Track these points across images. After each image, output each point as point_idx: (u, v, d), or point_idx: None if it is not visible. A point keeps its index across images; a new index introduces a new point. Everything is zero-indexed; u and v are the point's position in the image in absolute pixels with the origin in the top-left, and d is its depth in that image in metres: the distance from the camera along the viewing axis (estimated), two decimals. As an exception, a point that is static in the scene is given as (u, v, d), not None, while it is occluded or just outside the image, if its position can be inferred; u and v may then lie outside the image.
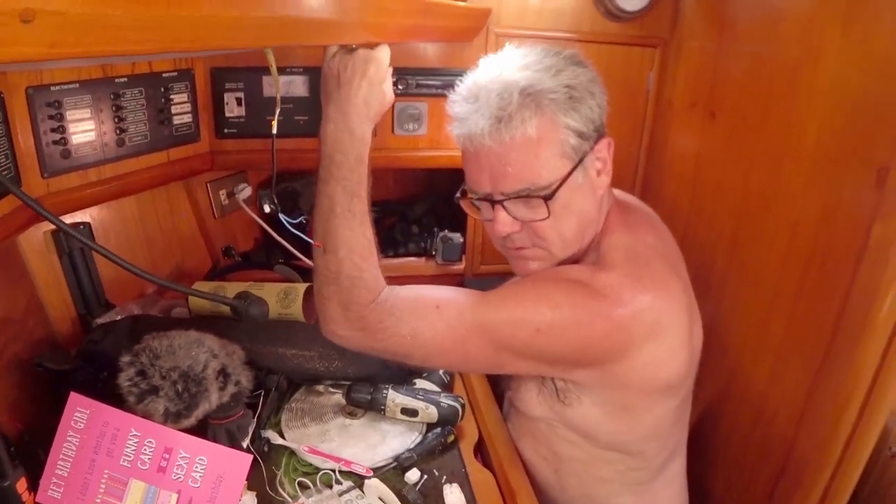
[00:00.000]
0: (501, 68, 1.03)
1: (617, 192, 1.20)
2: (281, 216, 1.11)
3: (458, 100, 1.05)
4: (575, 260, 1.12)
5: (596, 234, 1.12)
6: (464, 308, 1.02)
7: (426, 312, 1.01)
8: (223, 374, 1.03)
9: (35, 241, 1.25)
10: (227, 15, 0.64)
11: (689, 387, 1.17)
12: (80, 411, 0.95)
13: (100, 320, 1.31)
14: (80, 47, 0.52)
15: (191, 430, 0.98)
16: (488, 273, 1.80)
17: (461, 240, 1.76)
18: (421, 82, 1.60)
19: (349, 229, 1.00)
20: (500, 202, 1.03)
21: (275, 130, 1.04)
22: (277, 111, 1.04)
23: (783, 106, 1.30)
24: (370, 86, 1.01)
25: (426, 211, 1.96)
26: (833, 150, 1.17)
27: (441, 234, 1.77)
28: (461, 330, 1.01)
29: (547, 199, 1.00)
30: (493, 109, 0.98)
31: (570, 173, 1.01)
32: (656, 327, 1.01)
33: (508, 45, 1.09)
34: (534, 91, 0.98)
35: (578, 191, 1.04)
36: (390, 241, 1.85)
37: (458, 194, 1.14)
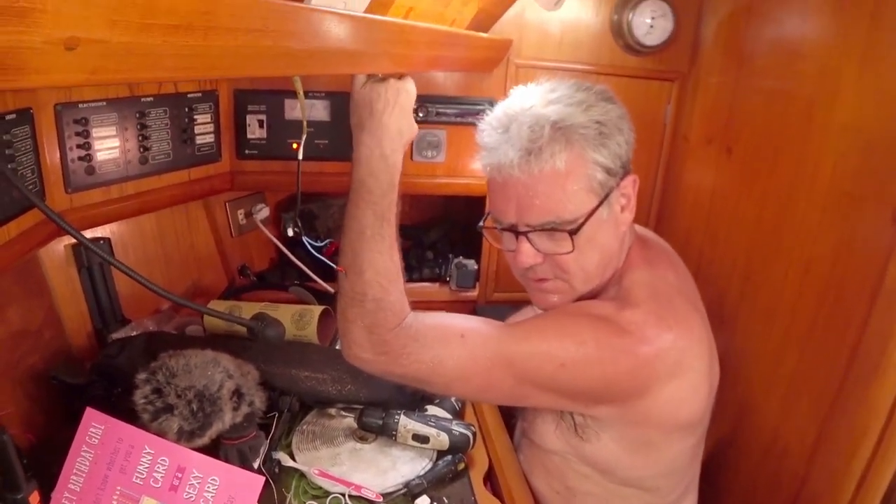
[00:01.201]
0: (533, 101, 1.04)
1: (636, 227, 1.21)
2: (305, 240, 1.12)
3: (488, 129, 1.06)
4: (595, 294, 1.12)
5: (617, 269, 1.12)
6: (488, 339, 1.02)
7: (450, 340, 1.01)
8: (237, 394, 1.03)
9: (55, 254, 1.26)
10: (261, 44, 0.65)
11: (707, 423, 1.17)
12: (96, 427, 0.96)
13: (115, 335, 1.32)
14: (119, 74, 0.53)
15: (203, 450, 0.98)
16: (501, 301, 1.80)
17: (475, 266, 1.77)
18: (440, 110, 1.62)
19: (378, 252, 1.01)
20: (525, 233, 1.04)
21: (301, 155, 1.05)
22: (304, 137, 1.05)
23: (799, 142, 1.31)
24: (402, 114, 1.03)
25: (441, 237, 1.97)
26: (848, 188, 1.17)
27: (455, 260, 1.78)
28: (484, 360, 1.01)
29: (572, 233, 1.01)
30: (523, 141, 0.98)
31: (595, 208, 1.02)
32: (679, 365, 1.01)
33: (540, 79, 1.10)
34: (565, 125, 0.99)
35: (603, 226, 1.04)
36: (405, 265, 1.84)
37: (481, 223, 1.15)
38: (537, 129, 0.98)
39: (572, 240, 1.01)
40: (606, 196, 1.03)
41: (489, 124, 1.06)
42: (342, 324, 1.04)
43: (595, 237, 1.04)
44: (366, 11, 0.90)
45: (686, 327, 1.03)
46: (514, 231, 1.06)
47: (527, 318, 1.11)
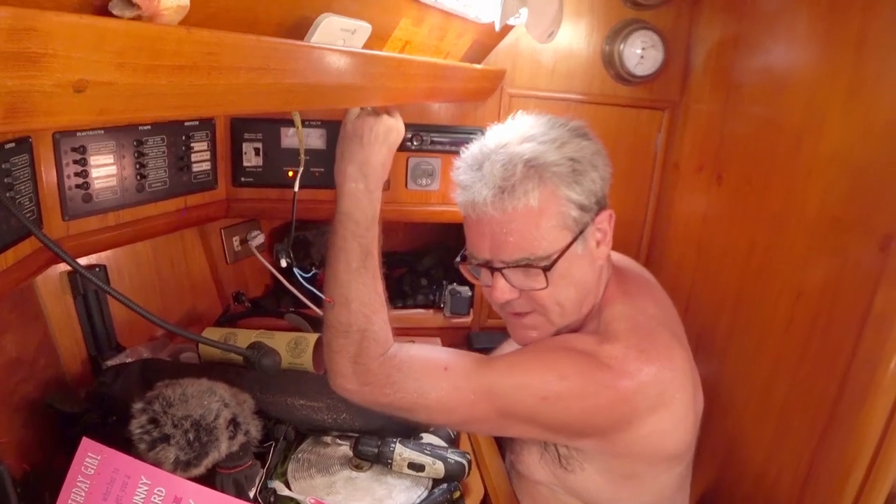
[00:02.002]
0: (507, 138, 1.05)
1: (614, 255, 1.21)
2: (296, 271, 1.13)
3: (464, 167, 1.07)
4: (575, 328, 1.13)
5: (595, 303, 1.13)
6: (472, 371, 1.04)
7: (434, 372, 1.03)
8: (233, 423, 1.03)
9: (51, 281, 1.26)
10: (262, 82, 0.67)
11: (693, 452, 1.17)
12: (92, 457, 0.96)
13: (110, 362, 1.32)
14: (126, 113, 0.55)
15: (198, 479, 0.98)
16: (495, 327, 1.80)
17: (469, 293, 1.78)
18: (435, 139, 1.64)
19: (362, 284, 1.03)
20: (500, 269, 1.05)
21: (297, 188, 1.07)
22: (301, 170, 1.07)
23: (788, 171, 1.33)
24: (389, 151, 1.07)
25: (435, 263, 1.97)
26: (837, 217, 1.19)
27: (450, 286, 1.78)
28: (467, 392, 1.02)
29: (546, 269, 1.02)
30: (496, 179, 1.00)
31: (569, 245, 1.03)
32: (661, 398, 1.01)
33: (518, 113, 1.12)
34: (538, 163, 1.00)
35: (577, 261, 1.05)
36: (399, 292, 1.86)
37: (458, 258, 1.16)
38: (510, 167, 0.99)
39: (546, 276, 1.02)
40: (581, 232, 1.04)
41: (464, 162, 1.07)
42: (328, 354, 1.06)
43: (569, 272, 1.05)
44: (364, 47, 0.91)
45: (667, 358, 1.04)
46: (489, 267, 1.07)
47: (510, 352, 1.12)
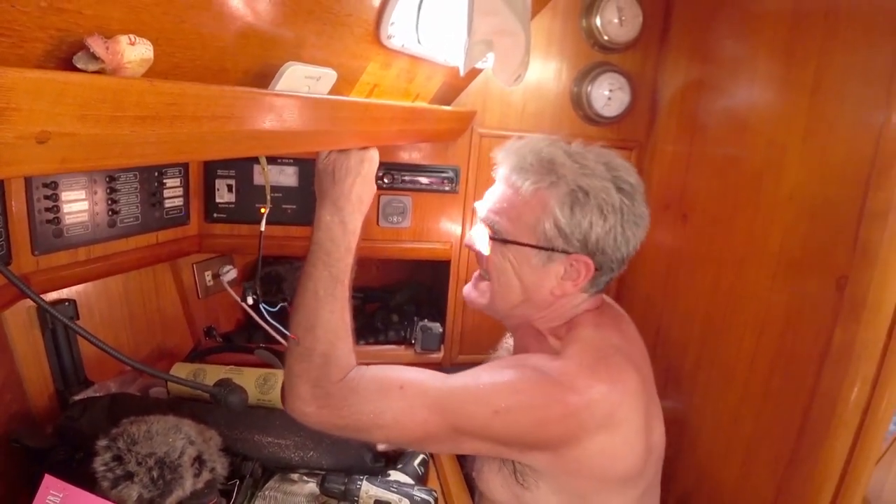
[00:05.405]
0: (565, 148, 1.15)
1: (606, 298, 1.27)
2: (261, 306, 1.14)
3: (521, 143, 1.18)
4: (535, 342, 1.21)
5: (553, 325, 1.19)
6: (427, 389, 1.05)
7: (389, 392, 1.04)
8: (199, 460, 1.03)
9: (19, 315, 1.25)
10: (226, 129, 0.69)
11: (651, 481, 1.18)
12: (54, 495, 0.95)
13: (77, 397, 1.31)
14: (88, 162, 0.56)
15: (162, 517, 0.98)
16: (467, 363, 1.79)
17: (441, 329, 1.79)
18: (406, 178, 1.67)
19: (329, 311, 1.05)
20: (481, 219, 1.20)
21: (263, 227, 1.08)
22: (267, 209, 1.08)
23: (750, 211, 1.36)
24: (363, 183, 1.10)
25: (407, 299, 1.99)
26: (796, 256, 1.23)
27: (421, 322, 1.79)
28: (422, 410, 1.03)
29: (494, 239, 1.15)
30: (523, 161, 1.13)
31: (526, 245, 1.12)
32: (610, 418, 1.03)
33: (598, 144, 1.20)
34: (556, 171, 1.09)
35: (531, 267, 1.14)
36: (371, 328, 1.87)
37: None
38: (538, 157, 1.11)
39: (490, 244, 1.15)
40: (548, 249, 1.11)
41: (527, 141, 1.18)
42: (288, 378, 1.07)
43: (517, 269, 1.15)
44: (330, 91, 0.93)
45: (619, 382, 1.06)
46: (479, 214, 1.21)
47: (466, 370, 1.14)
